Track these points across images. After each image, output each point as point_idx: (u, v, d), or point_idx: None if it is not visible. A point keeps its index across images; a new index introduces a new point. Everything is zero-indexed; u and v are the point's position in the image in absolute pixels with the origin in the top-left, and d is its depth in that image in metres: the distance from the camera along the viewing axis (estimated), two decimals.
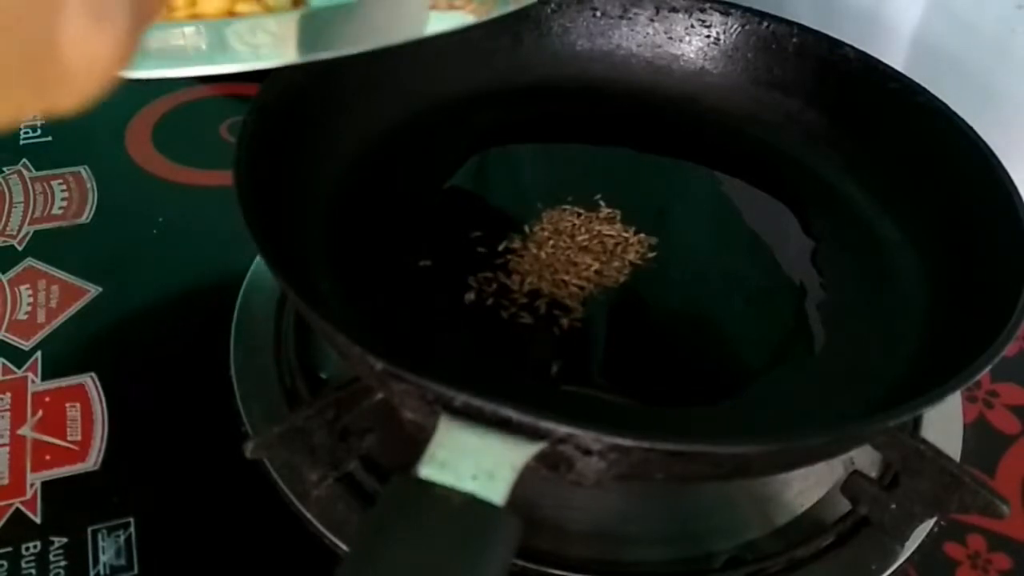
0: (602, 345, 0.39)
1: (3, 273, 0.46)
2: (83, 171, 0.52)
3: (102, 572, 0.34)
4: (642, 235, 0.43)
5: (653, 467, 0.29)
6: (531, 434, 0.27)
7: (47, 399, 0.40)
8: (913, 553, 0.36)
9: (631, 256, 0.42)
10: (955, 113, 0.42)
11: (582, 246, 0.42)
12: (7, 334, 0.43)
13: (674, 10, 0.50)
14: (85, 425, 0.39)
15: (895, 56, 0.53)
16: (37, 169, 0.52)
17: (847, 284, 0.41)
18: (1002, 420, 0.42)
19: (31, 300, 0.44)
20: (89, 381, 0.41)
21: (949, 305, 0.38)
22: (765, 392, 0.37)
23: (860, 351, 0.38)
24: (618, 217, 0.43)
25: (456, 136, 0.47)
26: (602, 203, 0.44)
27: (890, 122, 0.45)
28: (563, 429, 0.27)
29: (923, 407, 0.32)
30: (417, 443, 0.27)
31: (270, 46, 0.29)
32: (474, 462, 0.26)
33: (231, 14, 0.31)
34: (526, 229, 0.42)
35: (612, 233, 0.42)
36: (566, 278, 0.40)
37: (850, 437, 0.32)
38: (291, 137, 0.40)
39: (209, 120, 0.56)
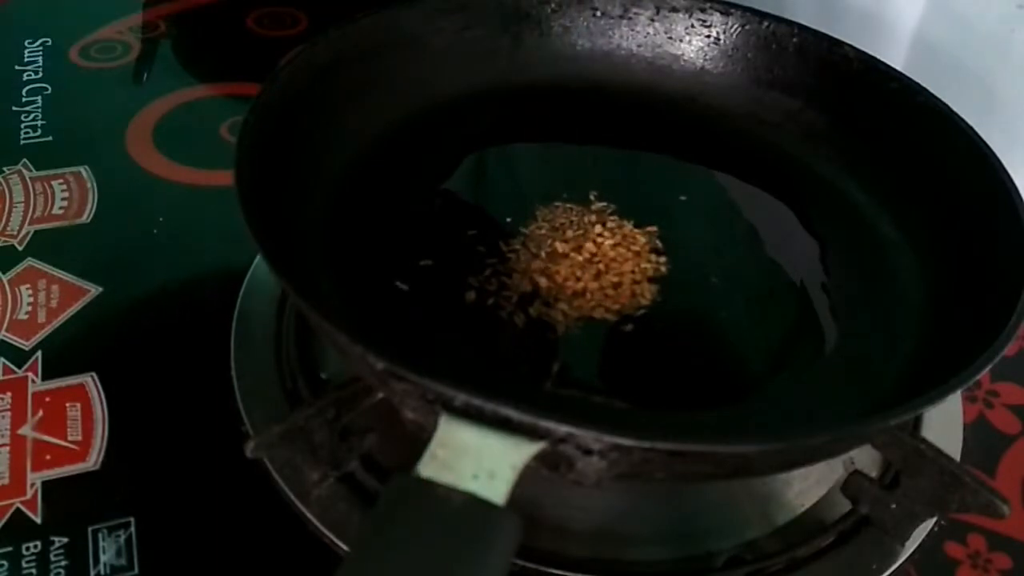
0: (603, 345, 0.39)
1: (3, 273, 0.46)
2: (83, 171, 0.52)
3: (102, 572, 0.34)
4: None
5: (654, 467, 0.29)
6: (531, 434, 0.27)
7: (47, 399, 0.40)
8: (913, 553, 0.36)
9: None
10: (955, 113, 0.42)
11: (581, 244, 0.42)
12: (7, 334, 0.43)
13: (674, 10, 0.50)
14: (85, 425, 0.39)
15: (895, 56, 0.53)
16: (37, 169, 0.52)
17: (847, 284, 0.41)
18: (1002, 420, 0.42)
19: (31, 300, 0.44)
20: (89, 381, 0.41)
21: (949, 305, 0.38)
22: (765, 392, 0.37)
23: (860, 351, 0.38)
24: (618, 216, 0.43)
25: (456, 136, 0.47)
26: (601, 202, 0.44)
27: (890, 122, 0.45)
28: (563, 429, 0.27)
29: (923, 407, 0.32)
30: (417, 443, 0.27)
31: None
32: (474, 461, 0.26)
33: None
34: (525, 228, 0.42)
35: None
36: None
37: (850, 437, 0.32)
38: (291, 137, 0.40)
39: (209, 120, 0.56)
